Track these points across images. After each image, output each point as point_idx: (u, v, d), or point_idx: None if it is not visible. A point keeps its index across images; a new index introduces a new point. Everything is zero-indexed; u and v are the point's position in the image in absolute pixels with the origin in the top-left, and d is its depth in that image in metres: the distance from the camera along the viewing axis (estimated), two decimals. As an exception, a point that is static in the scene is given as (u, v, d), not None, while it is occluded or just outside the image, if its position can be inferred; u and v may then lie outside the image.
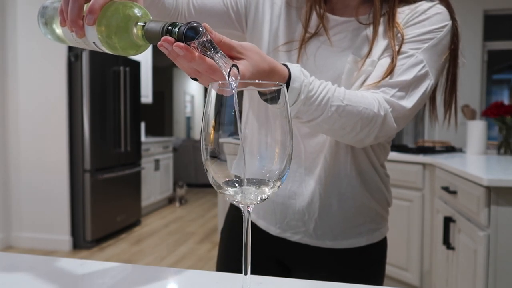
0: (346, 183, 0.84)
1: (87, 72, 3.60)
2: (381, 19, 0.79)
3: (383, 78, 0.73)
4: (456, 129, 0.91)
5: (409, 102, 0.72)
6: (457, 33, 0.79)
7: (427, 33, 0.75)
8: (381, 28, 0.78)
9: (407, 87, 0.72)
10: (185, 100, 10.70)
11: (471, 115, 2.95)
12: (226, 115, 0.45)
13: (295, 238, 0.86)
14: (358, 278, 0.86)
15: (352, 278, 0.84)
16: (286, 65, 0.62)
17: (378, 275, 0.90)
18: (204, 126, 0.46)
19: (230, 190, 0.46)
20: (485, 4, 3.92)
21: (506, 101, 2.78)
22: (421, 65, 0.73)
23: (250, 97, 0.46)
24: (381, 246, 0.90)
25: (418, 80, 0.73)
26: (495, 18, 4.02)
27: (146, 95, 5.19)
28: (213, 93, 0.46)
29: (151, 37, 0.53)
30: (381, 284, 0.91)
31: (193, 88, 11.25)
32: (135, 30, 0.54)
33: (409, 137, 4.85)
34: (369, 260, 0.89)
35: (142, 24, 0.53)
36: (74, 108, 3.65)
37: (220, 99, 0.46)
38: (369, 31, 0.79)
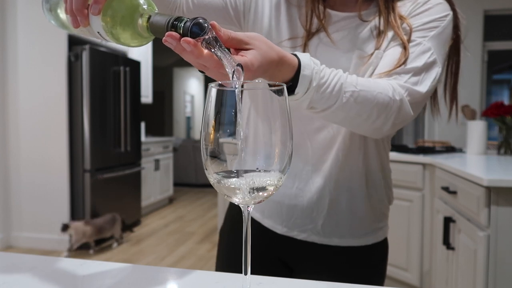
0: (356, 180, 0.84)
1: (87, 72, 3.60)
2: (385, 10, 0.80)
3: (396, 67, 0.73)
4: (457, 120, 0.91)
5: (422, 87, 0.73)
6: (458, 24, 0.80)
7: (431, 22, 0.76)
8: (385, 21, 0.79)
9: (419, 73, 0.73)
10: (185, 100, 10.71)
11: (471, 115, 2.95)
12: (226, 115, 0.45)
13: (301, 236, 0.86)
14: (361, 278, 0.87)
15: (355, 278, 0.85)
16: (294, 54, 0.62)
17: (380, 275, 0.90)
18: (204, 126, 0.46)
19: (230, 182, 0.46)
20: (485, 4, 3.92)
21: (506, 101, 2.78)
22: (430, 52, 0.74)
23: (252, 96, 0.46)
24: (384, 245, 0.91)
25: (428, 67, 0.74)
26: (495, 18, 4.01)
27: (146, 95, 5.18)
28: (213, 93, 0.46)
29: (156, 30, 0.53)
30: (382, 284, 0.91)
31: (193, 88, 11.25)
32: (140, 22, 0.54)
33: (409, 137, 4.85)
34: (373, 259, 0.89)
35: (148, 16, 0.53)
36: (74, 108, 3.65)
37: (220, 99, 0.46)
38: (372, 25, 0.80)
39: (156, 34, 0.53)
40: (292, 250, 0.88)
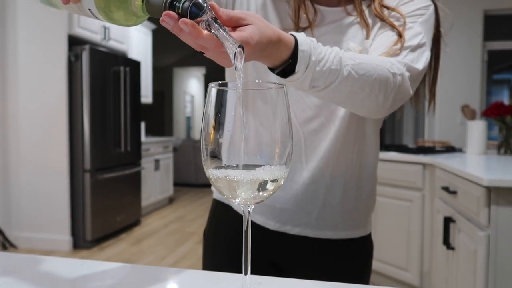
0: (350, 172, 0.85)
1: (87, 72, 3.60)
2: (367, 4, 0.82)
3: (391, 47, 0.75)
4: (434, 111, 0.95)
5: (419, 64, 0.75)
6: (438, 18, 0.84)
7: (418, 10, 0.80)
8: (370, 12, 0.82)
9: (415, 51, 0.75)
10: (185, 100, 10.71)
11: (471, 115, 2.95)
12: (226, 115, 0.45)
13: (295, 230, 0.85)
14: (352, 271, 0.88)
15: (346, 271, 0.87)
16: (290, 34, 0.62)
17: (368, 268, 0.93)
18: (204, 126, 0.46)
19: (232, 175, 0.45)
20: (485, 4, 3.92)
21: (506, 101, 2.78)
22: (421, 35, 0.77)
23: (251, 97, 0.46)
24: (370, 239, 0.93)
25: (421, 47, 0.77)
26: (495, 18, 4.01)
27: (146, 95, 5.18)
28: (213, 93, 0.46)
29: (152, 10, 0.51)
30: (368, 278, 0.93)
31: (193, 88, 11.25)
32: (135, 0, 0.52)
33: (409, 137, 4.85)
34: (362, 252, 0.91)
35: None
36: (74, 108, 3.65)
37: (220, 99, 0.46)
38: (359, 18, 0.82)
39: (152, 13, 0.51)
40: (283, 246, 0.87)
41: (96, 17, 0.55)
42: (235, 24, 0.54)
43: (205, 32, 0.49)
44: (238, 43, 0.47)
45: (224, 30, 0.47)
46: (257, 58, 0.58)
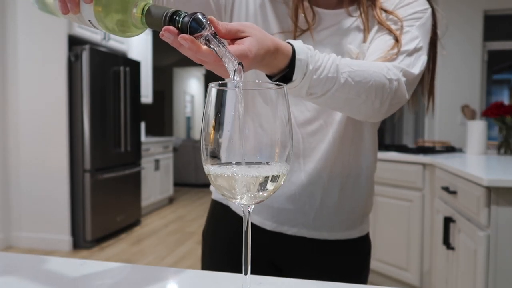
0: (347, 173, 0.85)
1: (87, 72, 3.60)
2: (367, 5, 0.82)
3: (388, 52, 0.75)
4: (433, 112, 0.96)
5: (415, 68, 0.75)
6: (436, 22, 0.84)
7: (416, 13, 0.80)
8: (370, 15, 0.82)
9: (411, 56, 0.76)
10: (185, 100, 10.71)
11: (471, 115, 2.95)
12: (225, 115, 0.45)
13: (292, 231, 0.86)
14: (350, 272, 0.89)
15: (344, 272, 0.87)
16: (287, 42, 0.62)
17: (366, 269, 0.93)
18: (204, 126, 0.46)
19: (231, 171, 0.45)
20: (485, 4, 3.92)
21: (506, 101, 2.78)
22: (418, 39, 0.77)
23: (251, 97, 0.46)
24: (368, 240, 0.93)
25: (417, 52, 0.77)
26: (495, 18, 4.01)
27: (146, 95, 5.18)
28: (213, 93, 0.46)
29: (152, 23, 0.52)
30: (367, 278, 0.93)
31: (193, 88, 11.25)
32: (134, 13, 0.52)
33: (409, 137, 4.85)
34: (360, 252, 0.91)
35: (142, 7, 0.52)
36: (74, 108, 3.65)
37: (220, 99, 0.46)
38: (358, 21, 0.82)
39: (151, 26, 0.52)
40: (281, 247, 0.87)
41: (96, 28, 0.56)
42: (234, 37, 0.54)
43: (204, 47, 0.50)
44: (237, 59, 0.47)
45: (223, 45, 0.48)
46: (255, 67, 0.59)
